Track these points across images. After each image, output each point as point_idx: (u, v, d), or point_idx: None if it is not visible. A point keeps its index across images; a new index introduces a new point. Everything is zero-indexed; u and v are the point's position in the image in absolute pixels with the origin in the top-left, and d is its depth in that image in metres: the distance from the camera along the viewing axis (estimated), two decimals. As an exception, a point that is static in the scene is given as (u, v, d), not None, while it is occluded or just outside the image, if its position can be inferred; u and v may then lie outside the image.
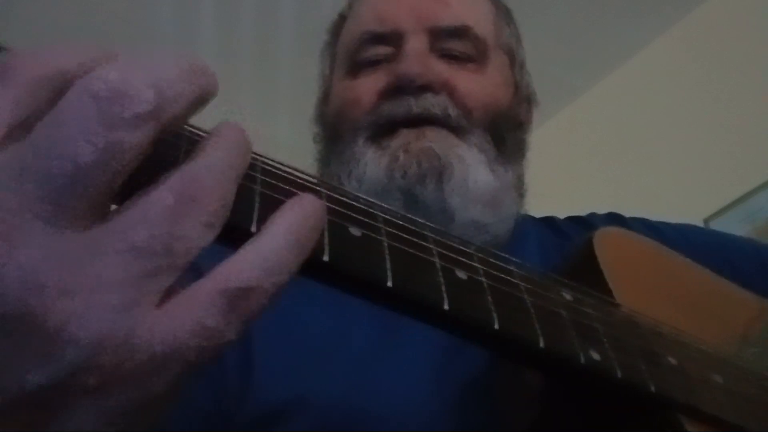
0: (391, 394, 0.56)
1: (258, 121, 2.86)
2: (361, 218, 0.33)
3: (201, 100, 0.27)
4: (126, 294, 0.24)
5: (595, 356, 0.36)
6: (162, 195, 0.25)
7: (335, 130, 0.74)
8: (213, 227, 0.26)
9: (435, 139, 0.68)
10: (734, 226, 2.10)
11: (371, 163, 0.68)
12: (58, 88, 0.26)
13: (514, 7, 0.85)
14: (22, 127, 0.25)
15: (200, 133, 0.28)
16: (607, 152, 2.56)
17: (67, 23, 2.42)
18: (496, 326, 0.33)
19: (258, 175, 0.30)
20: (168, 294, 0.25)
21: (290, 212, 0.28)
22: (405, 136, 0.68)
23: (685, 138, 2.35)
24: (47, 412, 0.24)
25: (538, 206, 0.80)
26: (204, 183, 0.26)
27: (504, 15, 0.82)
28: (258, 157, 0.31)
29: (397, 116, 0.69)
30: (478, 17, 0.77)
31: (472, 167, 0.68)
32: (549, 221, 0.79)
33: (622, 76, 2.67)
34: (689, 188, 2.26)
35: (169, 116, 0.25)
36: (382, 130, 0.69)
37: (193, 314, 0.24)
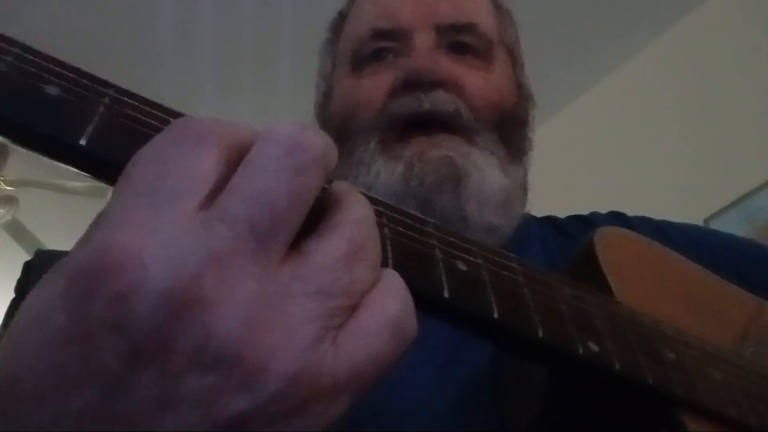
0: (396, 390, 0.56)
1: (258, 121, 2.86)
2: None
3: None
4: (316, 330, 0.27)
5: (594, 348, 0.37)
6: (338, 242, 0.28)
7: (343, 131, 0.72)
8: (376, 269, 0.29)
9: (451, 149, 0.67)
10: (734, 226, 2.10)
11: (384, 171, 0.67)
12: (238, 152, 0.29)
13: (514, 7, 0.85)
14: (218, 187, 0.28)
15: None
16: (607, 152, 2.56)
17: (67, 23, 2.43)
18: (496, 315, 0.34)
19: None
20: (341, 328, 0.28)
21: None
22: (418, 143, 0.67)
23: (685, 138, 2.35)
24: None
25: (538, 206, 0.80)
26: (366, 232, 0.29)
27: (505, 15, 0.82)
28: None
29: (406, 113, 0.68)
30: (484, 16, 0.77)
31: (486, 172, 0.68)
32: (551, 220, 0.79)
33: (622, 76, 2.67)
34: (689, 188, 2.26)
35: (331, 162, 0.29)
36: (393, 131, 0.68)
37: (369, 345, 0.28)
